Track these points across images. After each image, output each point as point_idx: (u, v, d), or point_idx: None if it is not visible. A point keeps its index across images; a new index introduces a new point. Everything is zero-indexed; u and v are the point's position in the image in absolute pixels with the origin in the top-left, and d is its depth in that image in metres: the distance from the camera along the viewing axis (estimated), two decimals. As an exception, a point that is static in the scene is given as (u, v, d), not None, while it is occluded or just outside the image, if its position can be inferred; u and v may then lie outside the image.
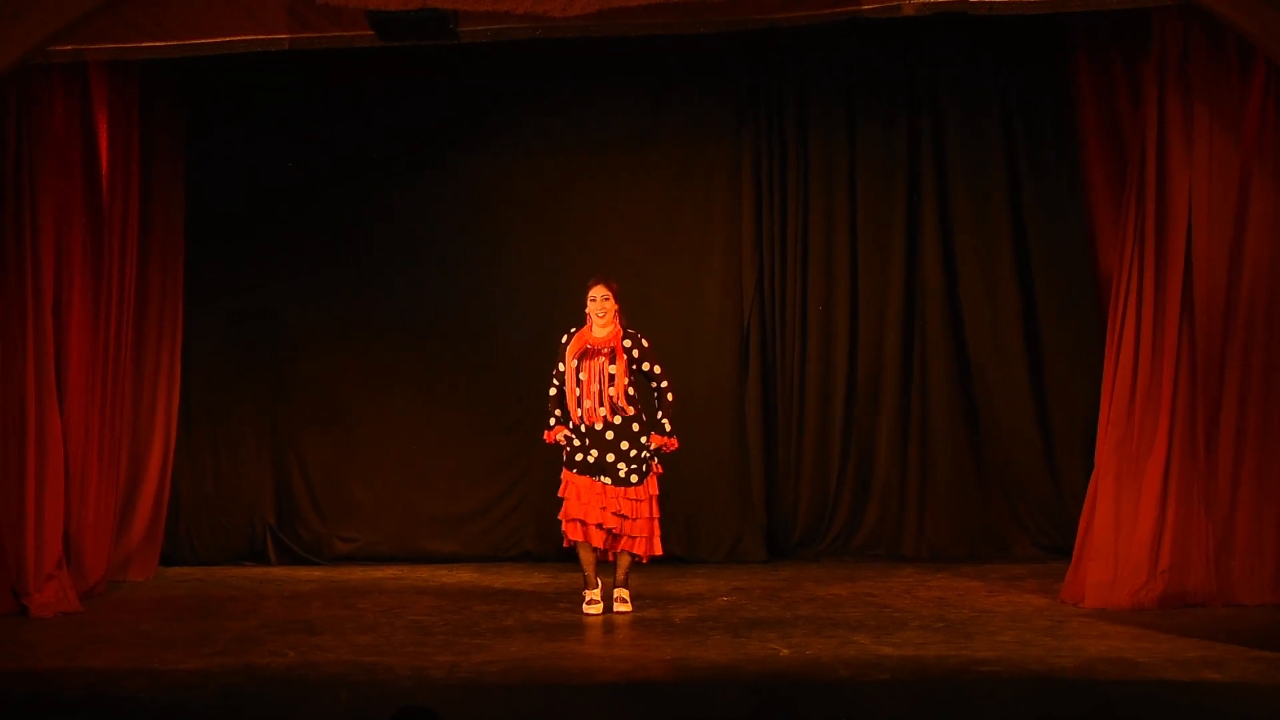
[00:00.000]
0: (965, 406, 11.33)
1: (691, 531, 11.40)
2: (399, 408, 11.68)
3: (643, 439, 9.15)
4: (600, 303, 9.11)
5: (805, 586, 10.13)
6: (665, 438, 9.20)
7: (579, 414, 9.12)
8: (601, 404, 9.07)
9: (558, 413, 9.24)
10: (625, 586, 9.31)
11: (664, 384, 9.22)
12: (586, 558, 9.21)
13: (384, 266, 11.70)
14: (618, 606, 9.26)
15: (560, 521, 9.28)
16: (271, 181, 11.69)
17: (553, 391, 9.29)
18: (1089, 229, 10.20)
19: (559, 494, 9.26)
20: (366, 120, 11.72)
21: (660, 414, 9.20)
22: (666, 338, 10.88)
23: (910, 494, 11.35)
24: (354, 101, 11.70)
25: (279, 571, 11.20)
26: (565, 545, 9.35)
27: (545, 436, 9.34)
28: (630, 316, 9.41)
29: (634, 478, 9.10)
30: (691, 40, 10.58)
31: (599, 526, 9.08)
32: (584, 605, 9.22)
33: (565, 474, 9.22)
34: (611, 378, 9.06)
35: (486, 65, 11.40)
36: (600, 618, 9.12)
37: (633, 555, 9.21)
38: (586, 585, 9.27)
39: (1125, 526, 9.11)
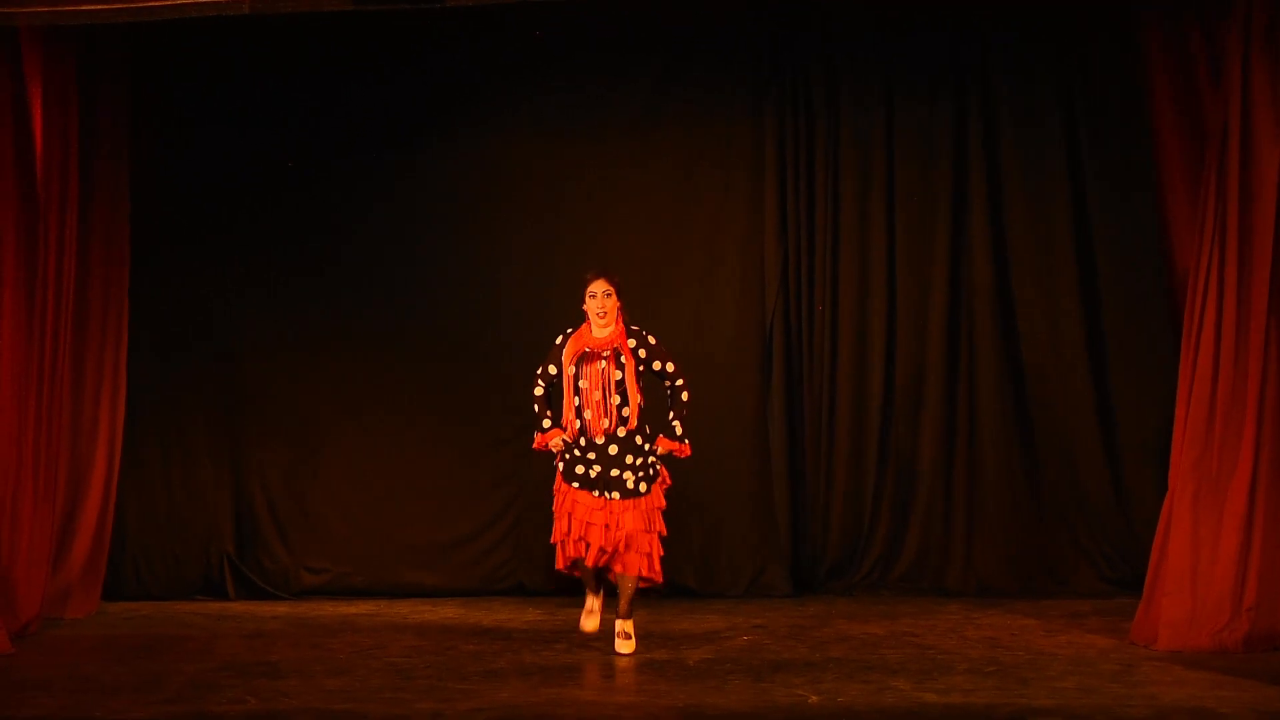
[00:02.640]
0: (1019, 419, 11.36)
1: (708, 562, 11.39)
2: (374, 423, 11.67)
3: (647, 445, 9.03)
4: (601, 299, 8.98)
5: (836, 624, 10.13)
6: (677, 443, 9.07)
7: (578, 425, 8.99)
8: (605, 415, 8.94)
9: (550, 413, 9.10)
10: (629, 618, 9.19)
11: (679, 382, 9.09)
12: (587, 574, 9.12)
13: (357, 266, 11.69)
14: (620, 646, 9.15)
15: (556, 545, 9.14)
16: (230, 170, 11.66)
17: (539, 391, 9.14)
18: (1162, 218, 10.09)
19: (554, 508, 9.12)
20: (339, 103, 11.72)
21: (671, 415, 9.08)
22: (678, 342, 10.93)
23: (956, 519, 11.35)
24: (325, 81, 11.69)
25: (238, 607, 11.22)
26: (560, 568, 9.22)
27: (535, 441, 9.19)
28: (638, 320, 9.31)
29: (643, 486, 9.00)
30: (706, 8, 10.81)
31: (601, 550, 8.97)
32: (582, 617, 9.17)
33: (563, 487, 9.07)
34: (618, 384, 8.94)
35: (475, 39, 11.40)
36: (599, 646, 9.07)
37: (638, 579, 9.07)
38: (587, 592, 9.18)
39: (1205, 557, 9.05)
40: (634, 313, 9.33)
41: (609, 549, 8.95)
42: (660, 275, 11.42)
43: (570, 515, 8.99)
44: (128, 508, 11.45)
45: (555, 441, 9.03)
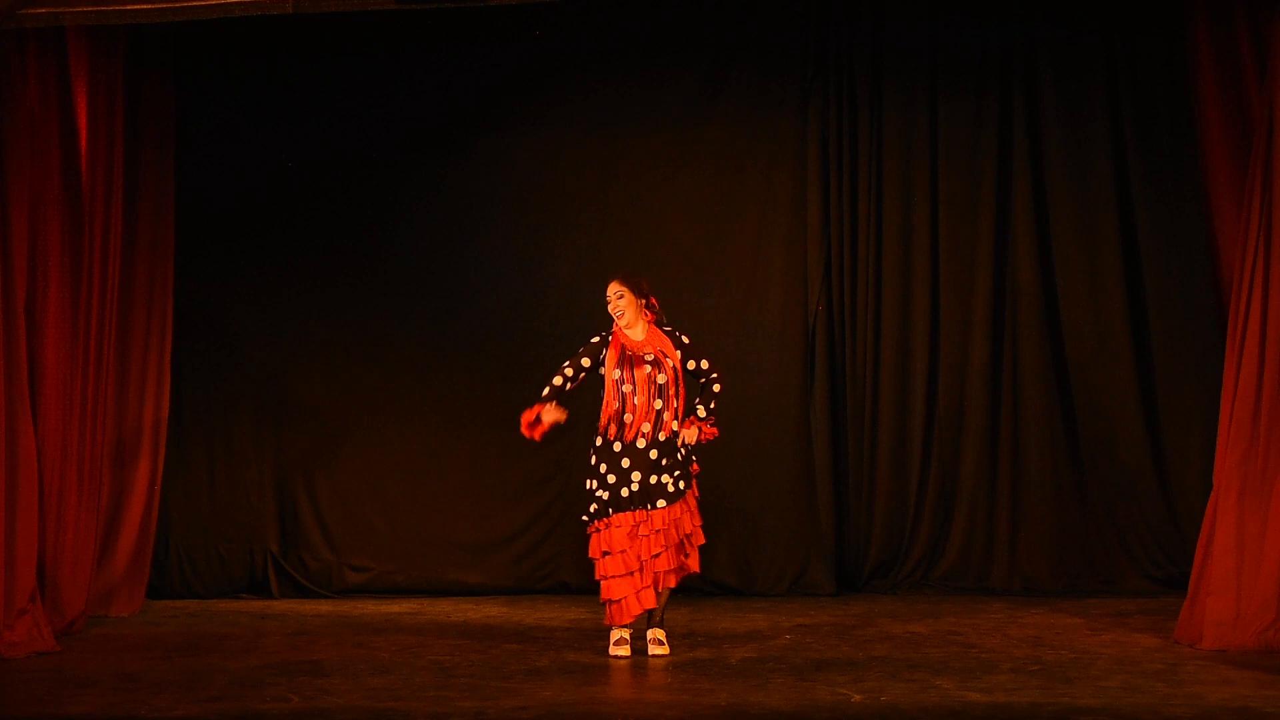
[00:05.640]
0: (1064, 418, 11.28)
1: (750, 560, 11.36)
2: (418, 422, 11.68)
3: (679, 442, 8.97)
4: (614, 303, 9.06)
5: (879, 623, 10.10)
6: (703, 423, 8.97)
7: (615, 430, 8.96)
8: (647, 419, 8.93)
9: (554, 397, 8.94)
10: (662, 626, 9.14)
11: (714, 375, 9.08)
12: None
13: (401, 266, 11.71)
14: (654, 650, 9.07)
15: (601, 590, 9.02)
16: (273, 169, 11.70)
17: (557, 381, 8.95)
18: (1208, 215, 10.06)
19: (593, 553, 9.01)
20: (382, 101, 11.75)
21: (698, 401, 9.02)
22: (722, 339, 11.12)
23: (1000, 517, 11.30)
24: (368, 79, 11.72)
25: (282, 605, 11.26)
26: (608, 623, 9.04)
27: (526, 413, 8.95)
28: (683, 316, 9.34)
29: (682, 484, 8.97)
30: (750, 6, 10.78)
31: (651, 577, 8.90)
32: (611, 645, 9.04)
33: (601, 525, 8.95)
34: (660, 389, 8.93)
35: (519, 37, 11.40)
36: (630, 659, 8.97)
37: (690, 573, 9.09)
38: (619, 631, 9.07)
39: (1250, 555, 8.97)
40: (684, 310, 9.30)
41: (670, 567, 8.91)
42: (704, 273, 11.42)
43: (613, 556, 8.92)
44: (172, 506, 11.50)
45: (548, 412, 8.91)
